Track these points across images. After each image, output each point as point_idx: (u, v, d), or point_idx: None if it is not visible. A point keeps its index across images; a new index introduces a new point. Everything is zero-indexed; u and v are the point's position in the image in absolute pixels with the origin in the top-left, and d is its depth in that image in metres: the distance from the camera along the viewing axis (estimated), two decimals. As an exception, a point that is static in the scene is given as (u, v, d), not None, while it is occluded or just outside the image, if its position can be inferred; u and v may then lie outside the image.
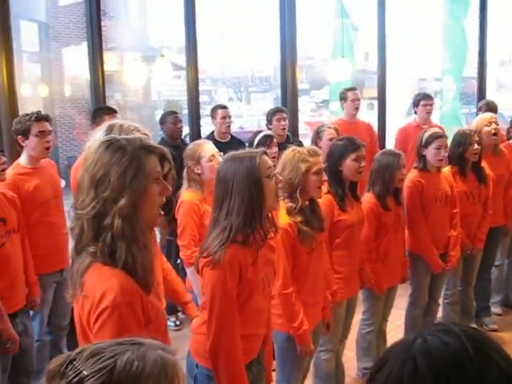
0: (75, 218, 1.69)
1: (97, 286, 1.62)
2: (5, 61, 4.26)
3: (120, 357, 0.94)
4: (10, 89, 4.31)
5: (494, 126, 4.62)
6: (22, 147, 3.67)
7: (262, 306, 2.41)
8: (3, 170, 3.21)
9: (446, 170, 4.32)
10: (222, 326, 2.23)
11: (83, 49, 5.68)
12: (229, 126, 5.32)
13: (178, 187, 3.62)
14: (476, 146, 4.27)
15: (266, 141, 4.35)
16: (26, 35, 13.16)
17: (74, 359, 0.95)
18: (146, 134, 2.63)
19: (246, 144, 5.02)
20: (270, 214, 2.39)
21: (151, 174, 1.70)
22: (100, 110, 4.54)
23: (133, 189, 1.65)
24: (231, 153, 2.39)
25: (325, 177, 3.07)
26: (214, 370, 2.26)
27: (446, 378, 0.84)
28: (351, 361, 4.15)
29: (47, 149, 3.70)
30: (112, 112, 4.43)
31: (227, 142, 5.09)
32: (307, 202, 3.03)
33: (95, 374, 0.92)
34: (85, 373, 0.92)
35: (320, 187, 3.05)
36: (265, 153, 2.37)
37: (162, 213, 1.80)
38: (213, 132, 5.36)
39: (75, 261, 1.70)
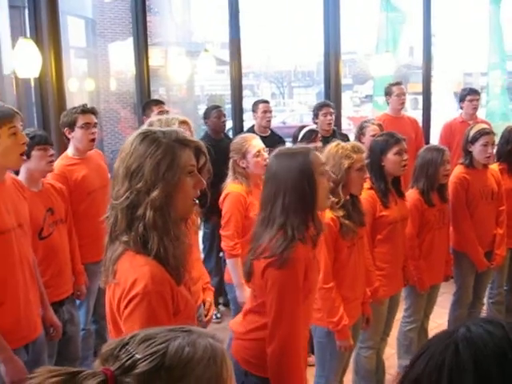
0: (110, 208, 1.72)
1: (129, 273, 1.64)
2: (53, 57, 4.37)
3: (171, 342, 0.97)
4: (58, 84, 4.42)
5: None
6: (68, 140, 3.77)
7: (312, 306, 2.37)
8: (51, 162, 3.28)
9: (494, 166, 4.24)
10: (291, 329, 2.14)
11: (128, 44, 5.78)
12: (269, 121, 5.33)
13: (221, 180, 3.66)
14: (526, 144, 4.17)
15: (311, 135, 4.33)
16: (73, 31, 13.41)
17: (127, 343, 0.97)
18: (184, 121, 2.66)
19: (287, 139, 5.03)
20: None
21: (185, 166, 1.70)
22: (148, 103, 4.87)
23: (166, 181, 1.66)
24: (281, 148, 2.34)
25: (367, 174, 3.05)
26: (274, 377, 2.16)
27: (488, 367, 0.83)
28: (392, 358, 4.11)
29: (92, 140, 3.78)
30: (160, 103, 4.75)
31: (267, 137, 5.10)
32: (348, 197, 3.02)
33: (148, 358, 0.94)
34: (137, 356, 0.94)
35: (362, 184, 3.03)
36: (317, 149, 2.33)
37: (198, 204, 1.80)
38: (253, 126, 5.38)
39: (109, 249, 1.73)
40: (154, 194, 1.64)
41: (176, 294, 1.69)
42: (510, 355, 0.84)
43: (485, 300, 4.44)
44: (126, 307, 1.62)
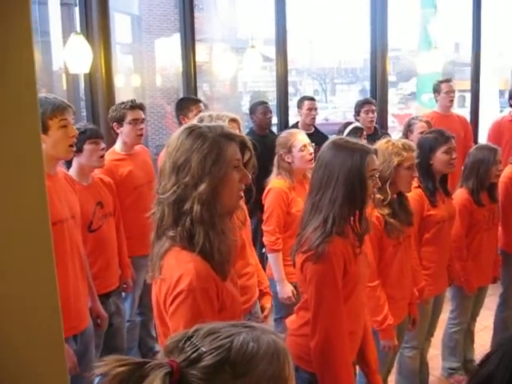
0: (157, 203, 1.74)
1: (174, 269, 1.65)
2: (103, 52, 4.44)
3: (236, 337, 0.98)
4: (107, 79, 4.49)
5: None
6: (116, 134, 3.83)
7: (362, 300, 2.35)
8: (102, 157, 3.32)
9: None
10: (330, 322, 2.13)
11: (173, 40, 5.85)
12: (314, 118, 5.31)
13: (265, 176, 3.67)
14: None
15: (356, 132, 4.30)
16: (119, 27, 13.61)
17: (192, 336, 0.99)
18: (234, 119, 2.67)
19: (330, 137, 4.98)
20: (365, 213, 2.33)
21: (231, 161, 1.71)
22: (185, 101, 4.65)
23: (212, 175, 1.67)
24: (343, 138, 2.32)
25: (416, 173, 3.01)
26: (320, 372, 2.16)
27: None
28: (436, 359, 4.05)
29: (140, 136, 3.84)
30: (197, 102, 4.54)
31: (311, 134, 5.08)
32: (395, 195, 2.99)
33: (213, 351, 0.95)
34: (203, 349, 0.96)
35: (410, 182, 2.99)
36: (375, 152, 2.29)
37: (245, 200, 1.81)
38: (297, 123, 5.36)
39: (155, 244, 1.75)
40: (201, 188, 1.66)
41: (221, 290, 1.69)
42: None
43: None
44: (171, 303, 1.64)
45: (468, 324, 3.92)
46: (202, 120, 2.56)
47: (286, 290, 3.56)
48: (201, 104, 4.52)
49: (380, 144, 2.94)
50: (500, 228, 3.92)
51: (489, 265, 3.79)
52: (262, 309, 3.01)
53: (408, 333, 3.36)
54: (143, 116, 3.85)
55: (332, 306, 2.14)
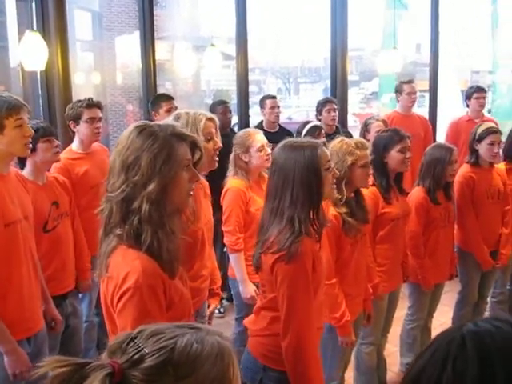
0: (105, 201, 1.74)
1: (121, 267, 1.65)
2: (60, 49, 4.37)
3: (180, 338, 0.97)
4: (64, 77, 4.42)
5: None
6: (73, 133, 3.78)
7: (322, 299, 2.38)
8: (57, 153, 3.29)
9: (501, 165, 4.22)
10: (303, 322, 2.15)
11: (134, 38, 5.78)
12: (277, 116, 5.33)
13: (225, 176, 3.67)
14: (534, 144, 4.16)
15: (315, 131, 4.34)
16: (79, 24, 13.41)
17: (135, 337, 0.98)
18: (211, 118, 2.67)
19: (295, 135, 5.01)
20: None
21: (181, 161, 1.72)
22: (158, 98, 4.84)
23: (162, 175, 1.67)
24: (289, 140, 2.34)
25: (371, 170, 3.04)
26: (292, 370, 2.17)
27: (491, 359, 0.84)
28: (394, 356, 4.11)
29: (97, 135, 3.81)
30: (169, 99, 4.71)
31: (276, 132, 5.10)
32: (352, 194, 3.02)
33: (156, 353, 0.94)
34: (146, 350, 0.95)
35: (367, 180, 3.03)
36: (324, 144, 2.32)
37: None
38: (261, 122, 5.38)
39: (103, 242, 1.74)
40: (151, 187, 1.66)
41: (169, 287, 1.69)
42: None
43: (488, 299, 4.44)
44: (118, 301, 1.63)
45: (425, 320, 3.98)
46: (178, 117, 2.56)
47: (248, 290, 3.56)
48: (173, 101, 4.65)
49: (333, 144, 2.98)
50: (456, 226, 3.99)
51: (445, 262, 3.86)
52: (209, 305, 3.00)
53: (364, 329, 3.42)
54: (100, 115, 3.81)
55: (304, 306, 2.16)
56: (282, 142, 2.34)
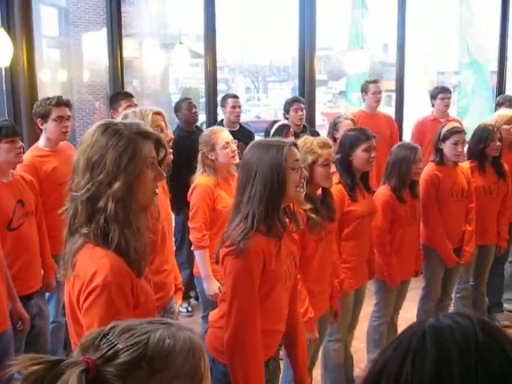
0: (70, 200, 1.72)
1: (88, 265, 1.64)
2: (25, 46, 4.30)
3: (153, 333, 0.98)
4: (29, 74, 4.35)
5: None
6: (40, 130, 3.73)
7: (282, 300, 2.36)
8: (19, 154, 3.24)
9: (465, 164, 4.30)
10: (242, 318, 2.16)
11: (102, 35, 5.71)
12: (238, 116, 5.33)
13: (192, 172, 3.67)
14: (498, 143, 4.24)
15: (283, 130, 4.35)
16: (45, 20, 13.22)
17: (108, 333, 0.99)
18: (159, 112, 2.67)
19: (260, 134, 5.04)
20: (292, 207, 2.38)
21: (146, 159, 1.72)
22: (117, 95, 4.67)
23: (127, 173, 1.67)
24: (260, 139, 2.37)
25: (333, 169, 3.06)
26: (230, 365, 2.20)
27: (449, 356, 0.86)
28: (361, 352, 4.16)
29: (65, 133, 3.76)
30: (128, 97, 4.53)
31: (236, 131, 5.11)
32: (319, 192, 3.04)
33: (130, 348, 0.95)
34: (119, 346, 0.96)
35: (329, 178, 3.04)
36: (295, 144, 2.33)
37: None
38: (222, 120, 5.38)
39: (68, 241, 1.73)
40: (116, 185, 1.65)
41: (136, 286, 1.69)
42: (472, 345, 0.86)
43: (452, 295, 4.52)
44: (85, 300, 1.62)
45: (391, 317, 4.03)
46: (125, 117, 2.54)
47: (212, 287, 3.56)
48: (132, 99, 4.50)
49: (298, 143, 2.99)
50: (421, 223, 4.06)
51: (411, 259, 3.92)
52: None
53: (331, 326, 3.45)
54: (69, 113, 3.77)
55: (246, 301, 2.17)
56: (253, 141, 2.37)
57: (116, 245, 1.66)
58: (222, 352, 2.24)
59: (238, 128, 5.28)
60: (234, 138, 3.76)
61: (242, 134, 4.95)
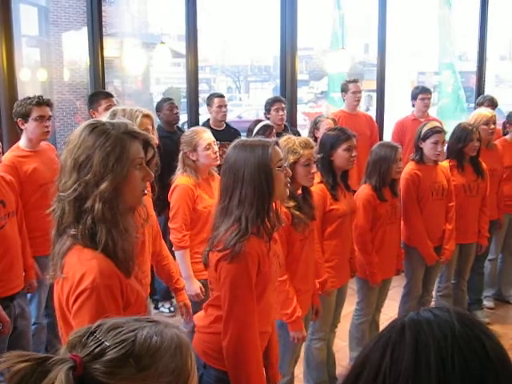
0: (57, 200, 1.71)
1: (76, 267, 1.63)
2: (4, 45, 4.26)
3: (140, 331, 0.99)
4: (9, 73, 4.32)
5: (492, 126, 4.66)
6: (21, 130, 3.70)
7: (272, 300, 2.37)
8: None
9: (445, 163, 4.35)
10: (243, 322, 2.14)
11: (83, 34, 5.68)
12: (224, 115, 5.33)
13: (172, 173, 3.67)
14: (476, 143, 4.30)
15: (266, 130, 4.37)
16: (25, 19, 13.09)
17: (95, 331, 0.99)
18: (148, 115, 2.66)
19: (243, 134, 5.05)
20: (274, 205, 2.36)
21: (134, 159, 1.71)
22: (96, 95, 4.57)
23: (115, 173, 1.66)
24: (242, 140, 2.33)
25: (314, 169, 3.08)
26: (232, 370, 2.17)
27: (427, 348, 0.88)
28: (343, 351, 4.19)
29: (46, 133, 3.73)
30: (108, 96, 4.45)
31: (222, 131, 5.11)
32: (300, 191, 3.06)
33: (117, 345, 0.96)
34: (107, 343, 0.96)
35: (310, 178, 3.06)
36: (277, 143, 2.32)
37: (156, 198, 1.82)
38: (208, 120, 5.38)
39: (56, 242, 1.72)
40: (103, 186, 1.64)
41: (125, 286, 1.69)
42: (449, 335, 0.89)
43: (433, 293, 4.57)
44: (74, 302, 1.61)
45: (373, 315, 4.07)
46: (115, 114, 2.54)
47: (194, 288, 3.57)
48: (113, 99, 4.43)
49: (280, 142, 3.00)
50: (402, 222, 4.09)
51: (392, 258, 3.96)
52: (187, 306, 3.16)
53: (314, 324, 3.47)
54: (50, 113, 3.74)
55: (245, 306, 2.15)
56: (235, 142, 2.34)
57: (103, 245, 1.65)
58: (214, 357, 2.24)
59: (224, 127, 5.28)
60: (221, 138, 3.77)
61: (229, 134, 4.95)
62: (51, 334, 3.96)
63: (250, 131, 4.50)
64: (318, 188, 3.35)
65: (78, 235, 1.66)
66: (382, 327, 4.15)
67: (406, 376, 0.87)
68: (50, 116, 3.73)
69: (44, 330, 3.88)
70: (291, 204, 2.93)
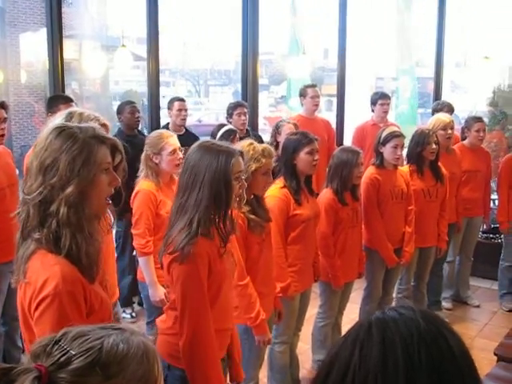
0: (22, 203, 1.69)
1: (39, 273, 1.61)
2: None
3: (106, 339, 0.98)
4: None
5: (449, 131, 4.76)
6: (-25, 134, 3.59)
7: (229, 298, 2.40)
8: None
9: (405, 168, 4.43)
10: (196, 322, 2.18)
11: (41, 35, 5.58)
12: (184, 119, 5.29)
13: (135, 177, 3.63)
14: (434, 146, 4.38)
15: (230, 135, 4.37)
16: (-20, 19, 12.79)
17: (60, 340, 0.98)
18: (105, 125, 2.62)
19: (204, 138, 5.04)
20: (230, 214, 2.38)
21: (101, 163, 1.70)
22: (56, 99, 4.41)
23: (81, 177, 1.65)
24: (209, 141, 2.34)
25: (271, 178, 3.10)
26: (189, 369, 2.20)
27: (394, 345, 0.91)
28: (306, 353, 4.21)
29: (1, 136, 3.63)
30: (68, 101, 4.29)
31: (182, 135, 5.08)
32: (252, 196, 3.07)
33: (83, 354, 0.95)
34: (72, 352, 0.95)
35: (265, 187, 3.08)
36: (241, 154, 2.33)
37: (112, 203, 1.80)
38: (168, 124, 5.34)
39: (21, 246, 1.69)
40: (69, 190, 1.63)
41: (89, 293, 1.67)
42: (415, 332, 0.92)
43: (394, 295, 4.64)
44: (36, 309, 1.59)
45: (335, 318, 4.11)
46: (71, 116, 2.49)
47: (158, 293, 3.53)
48: (72, 103, 4.30)
49: (242, 146, 2.99)
50: (363, 226, 4.14)
51: (354, 261, 4.00)
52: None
53: (277, 328, 3.48)
54: (5, 115, 3.65)
55: (198, 305, 2.19)
56: (200, 141, 2.35)
57: (67, 250, 1.63)
58: (177, 357, 2.24)
59: (183, 132, 5.25)
60: (181, 143, 3.73)
61: (188, 139, 4.92)
62: (8, 343, 3.87)
63: (213, 136, 4.49)
64: (281, 193, 3.36)
65: (43, 239, 1.63)
66: (344, 330, 4.18)
67: (375, 372, 0.89)
68: (5, 118, 3.63)
69: (1, 338, 3.78)
70: (246, 209, 2.93)
